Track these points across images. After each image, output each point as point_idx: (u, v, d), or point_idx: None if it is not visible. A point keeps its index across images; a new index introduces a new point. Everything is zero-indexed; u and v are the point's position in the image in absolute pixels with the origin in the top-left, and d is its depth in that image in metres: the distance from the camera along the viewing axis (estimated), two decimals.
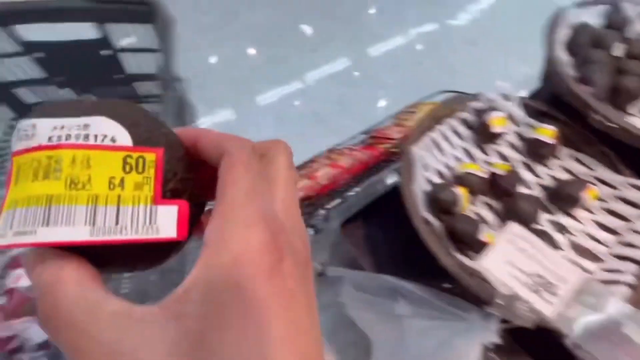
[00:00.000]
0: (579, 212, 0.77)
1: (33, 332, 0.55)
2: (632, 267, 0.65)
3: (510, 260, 0.48)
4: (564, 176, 0.81)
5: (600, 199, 0.77)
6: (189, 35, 2.08)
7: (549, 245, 0.66)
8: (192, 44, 2.08)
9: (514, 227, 0.50)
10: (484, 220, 0.75)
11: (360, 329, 1.08)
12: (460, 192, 0.68)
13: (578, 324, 0.44)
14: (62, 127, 0.15)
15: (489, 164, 0.81)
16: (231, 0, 2.24)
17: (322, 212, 0.95)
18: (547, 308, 0.46)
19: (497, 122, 0.79)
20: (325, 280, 1.35)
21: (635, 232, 0.70)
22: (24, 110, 0.68)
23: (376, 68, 2.09)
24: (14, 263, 0.60)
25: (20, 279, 0.57)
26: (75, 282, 0.14)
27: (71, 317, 0.13)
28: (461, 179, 0.73)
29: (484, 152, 0.85)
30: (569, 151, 0.83)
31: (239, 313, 0.12)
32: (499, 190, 0.74)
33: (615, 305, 0.44)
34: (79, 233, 0.15)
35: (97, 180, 0.15)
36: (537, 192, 0.80)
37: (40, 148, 0.16)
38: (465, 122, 0.86)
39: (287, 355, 0.13)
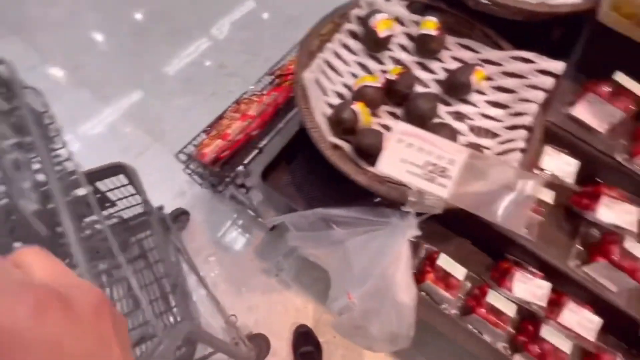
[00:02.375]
0: (473, 97, 0.80)
1: None
2: (522, 133, 0.71)
3: (403, 157, 0.48)
4: (455, 66, 0.82)
5: (488, 78, 0.81)
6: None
7: (449, 135, 0.68)
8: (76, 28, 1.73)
9: (400, 126, 0.49)
10: (389, 129, 0.76)
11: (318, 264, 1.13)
12: (359, 107, 0.66)
13: (469, 195, 0.47)
14: None
15: (385, 72, 0.79)
16: None
17: (240, 169, 0.90)
18: (443, 191, 0.48)
19: (382, 25, 0.75)
20: (277, 232, 1.36)
21: (522, 100, 0.75)
22: None
23: (281, 3, 1.91)
24: None
25: None
26: None
27: None
28: (359, 94, 0.71)
29: (379, 61, 0.82)
30: (456, 39, 0.83)
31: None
32: (397, 95, 0.74)
33: (499, 173, 0.48)
34: None
35: None
36: (434, 88, 0.81)
37: None
38: (353, 34, 0.82)
39: None
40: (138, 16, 1.88)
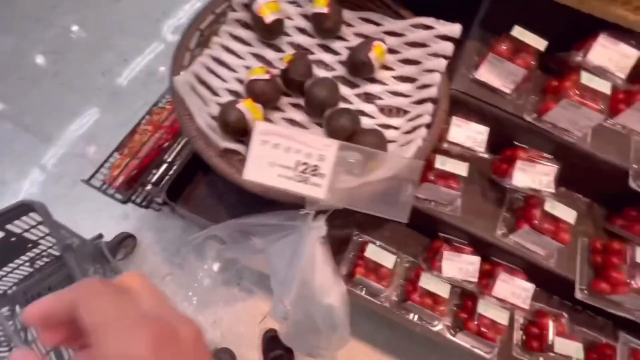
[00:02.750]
0: (381, 74, 0.75)
1: None
2: (429, 107, 0.66)
3: (271, 160, 0.43)
4: (358, 43, 0.77)
5: (394, 51, 0.75)
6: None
7: (350, 120, 0.63)
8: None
9: (261, 126, 0.43)
10: (296, 123, 0.71)
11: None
12: (246, 106, 0.60)
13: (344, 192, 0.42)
14: None
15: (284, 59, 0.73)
16: None
17: (147, 189, 0.82)
18: (318, 191, 0.43)
19: (266, 9, 0.68)
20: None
21: (427, 70, 0.70)
22: None
23: None
24: None
25: None
26: None
27: None
28: (248, 90, 0.65)
29: (277, 48, 0.76)
30: (356, 13, 0.77)
31: None
32: (294, 85, 0.68)
33: (374, 161, 0.43)
34: None
35: None
36: (340, 70, 0.76)
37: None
38: (242, 23, 0.75)
39: None
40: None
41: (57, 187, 1.34)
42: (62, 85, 1.57)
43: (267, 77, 0.64)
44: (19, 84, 1.57)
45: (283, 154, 0.43)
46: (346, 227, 0.73)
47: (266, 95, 0.64)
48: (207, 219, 0.76)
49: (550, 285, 0.74)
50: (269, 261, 0.71)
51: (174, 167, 0.83)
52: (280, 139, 0.42)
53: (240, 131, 0.61)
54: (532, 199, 0.67)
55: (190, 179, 0.83)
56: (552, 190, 0.64)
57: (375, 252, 0.71)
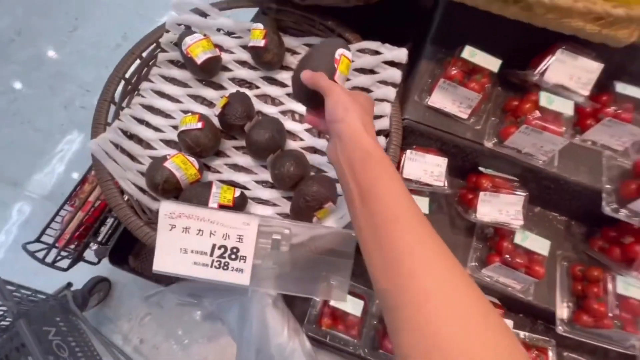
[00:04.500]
0: None
1: None
2: (381, 141, 0.61)
3: (182, 247, 0.37)
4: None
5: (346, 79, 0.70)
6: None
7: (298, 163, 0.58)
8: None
9: (164, 207, 0.38)
10: (243, 168, 0.65)
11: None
12: (174, 162, 0.54)
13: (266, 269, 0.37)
14: None
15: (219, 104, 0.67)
16: None
17: (95, 248, 0.77)
18: (242, 277, 0.38)
19: (197, 49, 0.62)
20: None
21: (378, 100, 0.64)
22: None
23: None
24: None
25: None
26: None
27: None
28: (181, 143, 0.59)
29: (219, 85, 0.70)
30: (300, 40, 0.71)
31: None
32: (235, 129, 0.62)
33: (301, 235, 0.38)
34: None
35: None
36: (289, 103, 0.70)
37: (348, 59, 0.47)
38: (175, 63, 0.69)
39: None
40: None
41: (28, 233, 1.28)
42: (23, 123, 1.51)
43: (199, 125, 0.58)
44: None
45: (196, 238, 0.37)
46: None
47: (202, 146, 0.59)
48: (158, 277, 0.71)
49: (533, 314, 0.70)
50: (223, 322, 0.66)
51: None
52: (189, 220, 0.37)
53: (172, 191, 0.55)
54: (501, 230, 0.62)
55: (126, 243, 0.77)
56: (520, 222, 0.59)
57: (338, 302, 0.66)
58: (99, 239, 0.77)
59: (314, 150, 0.65)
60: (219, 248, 0.38)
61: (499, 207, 0.60)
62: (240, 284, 0.38)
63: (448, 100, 0.60)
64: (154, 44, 0.65)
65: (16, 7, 1.76)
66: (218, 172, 0.63)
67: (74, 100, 1.53)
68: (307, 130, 0.67)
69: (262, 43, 0.64)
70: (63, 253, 0.80)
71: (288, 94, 0.69)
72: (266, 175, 0.62)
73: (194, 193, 0.53)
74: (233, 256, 0.38)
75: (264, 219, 0.38)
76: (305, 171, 0.58)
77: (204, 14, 0.66)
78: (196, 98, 0.68)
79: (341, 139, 0.36)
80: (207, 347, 1.18)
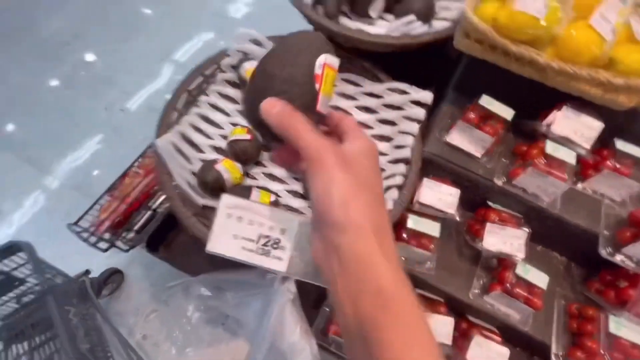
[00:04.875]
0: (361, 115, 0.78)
1: None
2: (401, 168, 0.69)
3: (235, 233, 0.45)
4: (341, 101, 0.81)
5: (372, 111, 0.79)
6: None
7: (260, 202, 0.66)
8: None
9: (225, 199, 0.46)
10: (276, 178, 0.73)
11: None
12: (224, 166, 0.63)
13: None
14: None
15: None
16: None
17: (130, 235, 0.85)
18: (280, 264, 0.45)
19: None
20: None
21: (401, 132, 0.73)
22: None
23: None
24: None
25: None
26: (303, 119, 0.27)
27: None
28: (229, 150, 0.68)
29: None
30: (339, 75, 0.83)
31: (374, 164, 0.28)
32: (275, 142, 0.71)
33: None
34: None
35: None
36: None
37: (334, 69, 0.30)
38: (231, 83, 0.80)
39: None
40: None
41: (51, 220, 1.36)
42: (65, 118, 1.64)
43: (248, 137, 0.67)
44: (26, 115, 1.64)
45: (246, 227, 0.45)
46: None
47: (247, 154, 0.68)
48: (186, 268, 0.78)
49: (529, 346, 0.73)
50: (240, 317, 0.71)
51: (157, 215, 0.85)
52: (243, 212, 0.45)
53: (218, 190, 0.64)
54: (505, 261, 0.68)
55: (175, 225, 0.85)
56: (523, 254, 0.65)
57: None
58: (135, 228, 0.85)
59: None
60: (264, 237, 0.45)
61: (504, 239, 0.66)
62: (278, 270, 0.45)
63: (465, 139, 0.68)
64: (215, 65, 0.76)
65: (77, 13, 1.96)
66: (255, 178, 0.71)
67: (114, 104, 1.67)
68: None
69: None
70: (93, 238, 0.88)
71: None
72: (297, 187, 0.71)
73: (236, 194, 0.62)
74: (275, 245, 0.45)
75: (304, 218, 0.46)
76: None
77: (259, 44, 0.78)
78: (241, 114, 0.78)
79: (341, 261, 0.23)
80: (205, 351, 1.21)
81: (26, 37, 1.85)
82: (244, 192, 0.62)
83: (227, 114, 0.76)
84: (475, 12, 0.59)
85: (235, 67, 0.76)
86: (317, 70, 0.29)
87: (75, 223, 0.91)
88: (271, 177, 0.72)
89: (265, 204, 0.56)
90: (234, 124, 0.75)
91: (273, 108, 0.27)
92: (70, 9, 1.98)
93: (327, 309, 0.79)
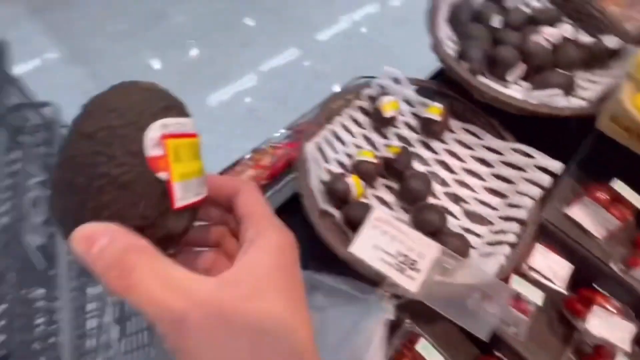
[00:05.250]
0: (472, 180, 0.82)
1: None
2: (515, 226, 0.71)
3: (376, 244, 0.51)
4: (458, 148, 0.86)
5: (488, 165, 0.83)
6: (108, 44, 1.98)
7: (437, 217, 0.70)
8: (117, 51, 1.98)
9: (377, 213, 0.52)
10: (385, 202, 0.79)
11: None
12: (353, 180, 0.71)
13: (433, 289, 0.48)
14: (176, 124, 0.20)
15: (389, 147, 0.84)
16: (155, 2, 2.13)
17: None
18: (411, 284, 0.49)
19: (388, 106, 0.82)
20: None
21: (519, 193, 0.76)
22: None
23: (325, 56, 2.07)
24: None
25: None
26: (146, 250, 0.17)
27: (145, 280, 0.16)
28: (356, 168, 0.76)
29: (384, 135, 0.88)
30: (461, 124, 0.88)
31: (285, 284, 0.19)
32: (394, 172, 0.78)
33: (469, 275, 0.48)
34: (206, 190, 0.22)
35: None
36: (435, 166, 0.85)
37: (188, 135, 0.20)
38: (362, 110, 0.89)
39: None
40: (191, 53, 2.09)
41: None
42: None
43: (375, 161, 0.75)
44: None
45: (388, 241, 0.50)
46: (400, 311, 0.77)
47: (369, 176, 0.75)
48: None
49: None
50: (324, 322, 0.76)
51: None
52: (390, 227, 0.51)
53: (341, 199, 0.71)
54: (602, 349, 0.65)
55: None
56: (627, 348, 0.63)
57: (427, 349, 0.72)
58: None
59: (447, 211, 0.77)
60: (402, 255, 0.51)
61: (610, 327, 0.64)
62: (409, 288, 0.50)
63: (587, 217, 0.69)
64: (355, 92, 0.86)
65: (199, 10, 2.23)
66: (366, 198, 0.78)
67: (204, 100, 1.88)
68: (445, 194, 0.80)
69: (437, 118, 0.81)
70: None
71: (436, 159, 0.84)
72: (404, 216, 0.76)
73: (357, 208, 0.69)
74: (411, 265, 0.50)
75: (444, 249, 0.50)
76: (443, 226, 0.70)
77: (398, 82, 0.86)
78: (366, 138, 0.86)
79: None
80: None
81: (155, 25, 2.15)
82: (363, 208, 0.69)
83: (353, 136, 0.85)
84: (632, 101, 0.61)
85: (373, 99, 0.85)
86: (152, 152, 0.18)
87: None
88: (381, 200, 0.78)
89: (406, 225, 0.61)
90: (357, 146, 0.84)
91: (92, 246, 0.16)
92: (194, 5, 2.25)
93: (399, 341, 0.81)
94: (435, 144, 0.86)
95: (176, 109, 0.20)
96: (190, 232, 0.22)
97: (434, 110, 0.82)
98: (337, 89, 1.39)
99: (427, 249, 0.50)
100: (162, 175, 0.19)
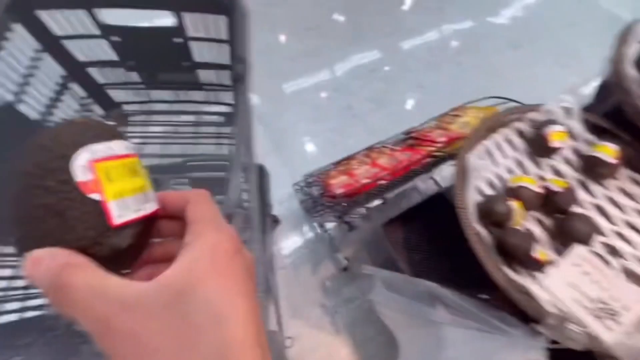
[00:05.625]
0: (634, 236, 0.74)
1: None
2: None
3: (573, 282, 0.48)
4: (621, 198, 0.78)
5: None
6: None
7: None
8: None
9: (579, 250, 0.49)
10: (532, 236, 0.75)
11: (382, 326, 1.10)
12: (515, 205, 0.67)
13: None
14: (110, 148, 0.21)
15: (542, 178, 0.79)
16: None
17: (362, 210, 0.96)
18: (608, 335, 0.46)
19: (556, 136, 0.77)
20: (348, 275, 1.37)
21: None
22: (94, 91, 0.72)
23: (410, 63, 2.04)
24: None
25: None
26: (82, 265, 0.19)
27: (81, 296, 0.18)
28: (514, 192, 0.72)
29: (538, 165, 0.83)
30: (629, 173, 0.80)
31: (217, 279, 0.19)
32: (553, 207, 0.72)
33: None
34: (155, 205, 0.23)
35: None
36: (592, 212, 0.78)
37: (119, 157, 0.21)
38: (520, 133, 0.84)
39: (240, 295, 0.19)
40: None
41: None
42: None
43: (538, 190, 0.71)
44: None
45: (588, 284, 0.47)
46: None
47: (528, 205, 0.71)
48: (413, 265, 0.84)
49: None
50: (442, 340, 0.74)
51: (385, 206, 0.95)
52: (593, 270, 0.47)
53: (497, 222, 0.68)
54: None
55: (390, 222, 0.93)
56: None
57: None
58: (370, 205, 0.96)
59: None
60: (602, 303, 0.47)
61: None
62: (603, 338, 0.46)
63: None
64: (519, 114, 0.82)
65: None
66: (521, 226, 0.74)
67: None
68: (602, 243, 0.73)
69: (611, 160, 0.74)
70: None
71: (594, 204, 0.78)
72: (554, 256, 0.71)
73: (516, 236, 0.65)
74: (611, 315, 0.46)
75: None
76: None
77: (568, 112, 0.81)
78: (518, 164, 0.82)
79: None
80: (307, 331, 1.25)
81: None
82: (521, 236, 0.65)
83: (505, 157, 0.81)
84: None
85: (537, 124, 0.81)
86: (82, 177, 0.20)
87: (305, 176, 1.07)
88: (541, 223, 0.74)
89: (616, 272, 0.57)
90: (508, 169, 0.80)
91: (38, 268, 0.19)
92: None
93: None
94: (594, 187, 0.79)
95: (107, 135, 0.22)
96: (150, 248, 0.24)
97: (606, 150, 0.76)
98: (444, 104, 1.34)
99: (635, 304, 0.46)
100: (94, 196, 0.20)
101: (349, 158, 1.17)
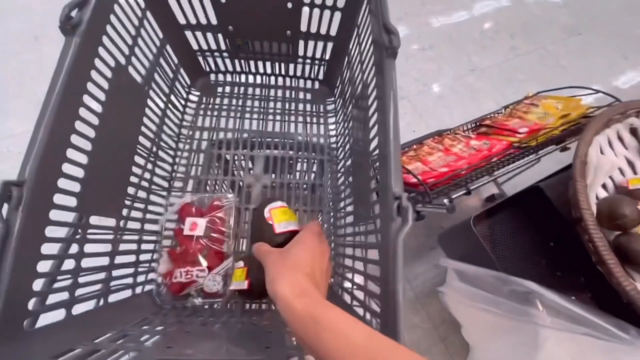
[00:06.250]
0: None
1: (208, 280, 0.57)
2: None
3: None
4: None
5: None
6: None
7: None
8: None
9: None
10: None
11: (428, 315, 1.07)
12: None
13: None
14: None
15: None
16: None
17: (446, 201, 0.92)
18: None
19: None
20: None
21: None
22: (185, 58, 0.66)
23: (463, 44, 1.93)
24: (184, 211, 0.61)
25: (195, 227, 0.59)
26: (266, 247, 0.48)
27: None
28: (632, 195, 0.68)
29: None
30: None
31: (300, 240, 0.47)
32: None
33: None
34: (296, 227, 0.55)
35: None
36: None
37: (280, 207, 0.56)
38: (632, 130, 0.79)
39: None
40: None
41: None
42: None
43: None
44: None
45: None
46: None
47: None
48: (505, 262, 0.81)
49: None
50: (539, 342, 0.71)
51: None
52: None
53: (619, 226, 0.64)
54: None
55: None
56: None
57: None
58: (453, 196, 0.91)
59: None
60: None
61: None
62: None
63: None
64: (633, 109, 0.76)
65: None
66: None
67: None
68: None
69: None
70: None
71: None
72: None
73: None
74: None
75: None
76: None
77: None
78: (628, 162, 0.77)
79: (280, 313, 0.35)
80: None
81: None
82: None
83: (616, 155, 0.76)
84: None
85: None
86: (267, 215, 0.55)
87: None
88: None
89: None
90: (619, 168, 0.75)
91: (259, 246, 0.48)
92: None
93: None
94: None
95: (272, 201, 0.58)
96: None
97: None
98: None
99: None
100: (270, 221, 0.54)
101: (419, 142, 1.12)
